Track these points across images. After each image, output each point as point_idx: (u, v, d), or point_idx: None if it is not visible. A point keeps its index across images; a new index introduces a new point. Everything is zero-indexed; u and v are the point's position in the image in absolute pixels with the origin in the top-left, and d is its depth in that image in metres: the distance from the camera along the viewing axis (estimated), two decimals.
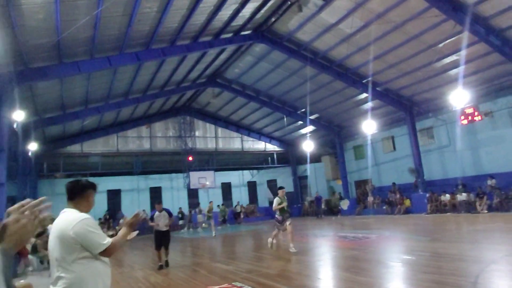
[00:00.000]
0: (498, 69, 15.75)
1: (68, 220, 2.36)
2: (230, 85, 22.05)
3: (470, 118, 16.90)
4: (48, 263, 10.52)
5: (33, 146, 17.58)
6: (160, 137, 25.93)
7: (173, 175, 25.87)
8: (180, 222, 22.75)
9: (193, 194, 26.42)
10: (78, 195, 2.55)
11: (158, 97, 20.76)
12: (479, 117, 16.90)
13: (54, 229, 2.39)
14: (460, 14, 12.73)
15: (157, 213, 9.01)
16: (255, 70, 20.04)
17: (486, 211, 15.53)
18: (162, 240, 8.68)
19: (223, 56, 18.78)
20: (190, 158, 25.35)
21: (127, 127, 24.51)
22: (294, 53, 17.35)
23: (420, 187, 19.26)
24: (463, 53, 14.82)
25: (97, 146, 23.71)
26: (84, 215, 2.40)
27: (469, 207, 16.44)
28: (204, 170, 25.86)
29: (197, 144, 26.48)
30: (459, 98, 16.18)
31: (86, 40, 12.16)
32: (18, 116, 12.86)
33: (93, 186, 2.67)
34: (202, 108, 26.37)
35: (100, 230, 2.42)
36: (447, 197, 17.59)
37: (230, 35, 16.17)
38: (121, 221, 22.14)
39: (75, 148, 23.14)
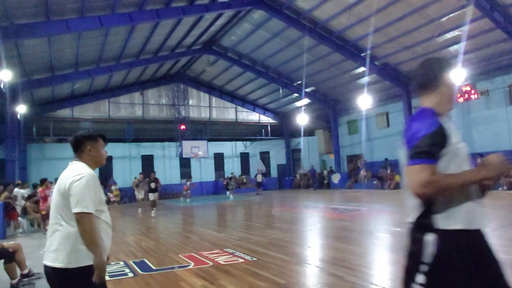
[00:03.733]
0: (497, 47, 15.50)
1: (72, 173, 2.29)
2: (226, 53, 21.47)
3: (466, 96, 16.82)
4: (38, 225, 10.52)
5: (21, 109, 17.09)
6: (153, 104, 25.47)
7: (166, 143, 25.66)
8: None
9: (185, 164, 26.36)
10: (77, 149, 2.44)
11: (152, 63, 20.16)
12: (475, 96, 16.83)
13: (60, 179, 2.33)
14: None
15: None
16: (253, 39, 19.46)
17: None
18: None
19: (220, 22, 18.13)
20: (183, 127, 25.07)
21: (119, 93, 23.97)
22: (293, 22, 16.79)
23: None
24: (465, 28, 14.48)
25: (88, 111, 23.24)
26: (86, 171, 2.29)
27: None
28: (197, 139, 25.67)
29: (190, 113, 26.12)
30: (457, 75, 16.00)
31: None
32: (5, 75, 12.37)
33: (91, 138, 2.48)
34: (197, 76, 25.80)
35: (94, 191, 2.27)
36: None
37: None
38: (112, 187, 22.15)
39: (65, 112, 22.64)
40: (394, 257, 5.29)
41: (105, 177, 22.23)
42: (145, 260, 5.92)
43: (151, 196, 13.90)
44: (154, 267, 5.41)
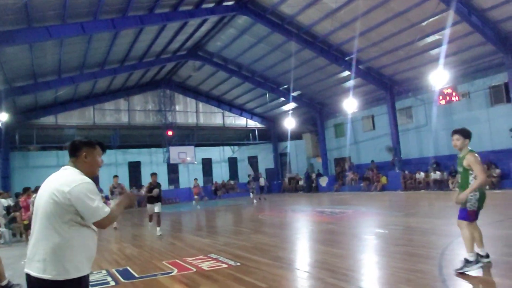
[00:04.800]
0: (477, 50, 15.94)
1: (67, 179, 2.16)
2: (211, 58, 21.51)
3: (448, 98, 17.19)
4: (21, 235, 10.30)
5: (3, 116, 16.77)
6: (139, 110, 25.29)
7: (153, 149, 25.46)
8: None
9: (173, 169, 26.20)
10: (73, 155, 2.33)
11: (137, 69, 20.07)
12: (457, 98, 17.21)
13: (49, 184, 2.19)
14: None
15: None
16: (238, 44, 19.55)
17: (458, 189, 16.09)
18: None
19: (205, 28, 18.18)
20: (170, 133, 24.94)
21: (104, 99, 23.73)
22: (278, 27, 16.96)
23: (396, 165, 19.72)
24: (445, 32, 14.86)
25: (72, 118, 22.92)
26: (84, 179, 2.19)
27: (442, 185, 17.03)
28: (185, 145, 25.56)
29: (177, 119, 26.02)
30: (439, 78, 16.39)
31: (57, 3, 11.41)
32: None
33: (88, 144, 2.36)
34: (183, 81, 25.74)
35: (99, 197, 2.21)
36: (421, 175, 18.13)
37: (212, 5, 15.58)
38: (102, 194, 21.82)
39: (48, 119, 22.29)
40: (379, 259, 5.37)
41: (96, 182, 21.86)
42: (128, 268, 5.85)
43: (152, 208, 9.83)
44: (136, 275, 5.36)
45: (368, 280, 4.45)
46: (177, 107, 26.38)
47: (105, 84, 21.80)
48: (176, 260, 6.10)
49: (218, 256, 6.15)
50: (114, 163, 24.28)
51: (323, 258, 5.61)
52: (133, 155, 25.02)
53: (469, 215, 4.21)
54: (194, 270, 5.37)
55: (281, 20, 16.81)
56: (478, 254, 4.19)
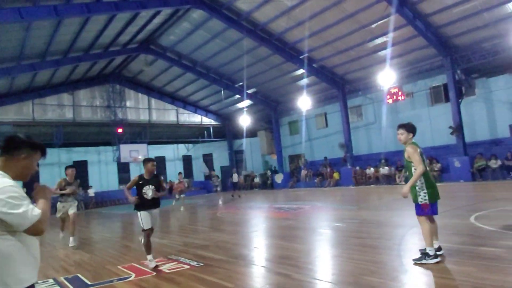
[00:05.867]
0: (420, 53, 17.04)
1: None
2: (164, 53, 20.75)
3: (395, 97, 18.21)
4: None
5: None
6: (85, 106, 23.70)
7: (101, 148, 24.04)
8: None
9: (123, 169, 24.96)
10: (7, 153, 1.95)
11: (82, 61, 18.76)
12: (402, 97, 18.31)
13: None
14: None
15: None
16: (192, 39, 19.06)
17: (404, 183, 17.16)
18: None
19: (158, 20, 17.46)
20: (120, 130, 23.71)
21: (46, 94, 21.91)
22: (234, 23, 16.77)
23: (348, 161, 20.54)
24: (392, 35, 15.70)
25: (8, 114, 20.86)
26: (5, 182, 1.85)
27: (390, 179, 18.04)
28: (136, 143, 24.47)
29: (128, 116, 24.81)
30: (386, 78, 17.31)
31: None
32: None
33: (31, 146, 2.01)
34: (134, 76, 24.58)
35: (27, 201, 1.88)
36: (371, 170, 19.06)
37: None
38: None
39: None
40: (341, 252, 5.46)
41: (30, 187, 20.12)
42: (79, 275, 5.38)
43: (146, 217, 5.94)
44: (89, 282, 4.94)
45: (334, 274, 4.49)
46: (128, 103, 25.15)
47: (46, 77, 20.10)
48: (133, 264, 5.73)
49: (179, 257, 5.89)
50: (57, 163, 22.55)
51: (287, 254, 5.59)
52: (79, 153, 23.42)
53: (422, 209, 4.35)
54: (154, 273, 5.08)
55: (237, 16, 16.66)
56: (435, 249, 4.34)
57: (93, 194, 22.20)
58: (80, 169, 23.13)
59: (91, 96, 23.94)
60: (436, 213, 4.43)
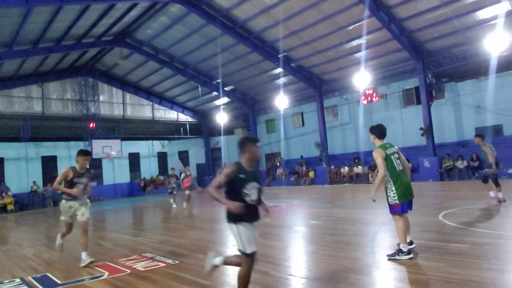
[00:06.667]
0: (394, 56, 17.54)
1: None
2: (141, 46, 20.28)
3: (369, 99, 18.68)
4: None
5: None
6: (55, 99, 22.78)
7: (72, 143, 23.17)
8: None
9: (95, 165, 24.17)
10: None
11: (53, 52, 18.01)
12: (376, 99, 18.82)
13: None
14: (370, 0, 13.62)
15: None
16: (170, 34, 18.73)
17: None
18: None
19: (134, 13, 17.03)
20: (93, 125, 22.96)
21: (12, 85, 20.88)
22: (213, 19, 16.62)
23: (324, 160, 20.88)
24: (368, 37, 16.09)
25: None
26: None
27: (363, 178, 18.51)
28: (110, 138, 23.78)
29: (101, 110, 24.06)
30: (361, 80, 17.72)
31: None
32: None
33: None
34: (108, 70, 23.87)
35: None
36: (345, 169, 19.48)
37: None
38: (4, 194, 19.16)
39: None
40: (317, 249, 5.55)
41: None
42: (48, 274, 5.18)
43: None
44: (59, 281, 4.76)
45: (310, 270, 4.56)
46: (101, 97, 24.39)
47: (13, 67, 19.14)
48: (106, 262, 5.58)
49: (154, 255, 5.79)
50: (24, 158, 21.65)
51: (264, 251, 5.61)
52: (48, 148, 22.50)
53: (393, 209, 4.52)
54: (128, 271, 4.97)
55: (217, 12, 16.51)
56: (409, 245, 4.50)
57: None
58: (49, 164, 22.29)
59: (62, 88, 23.04)
60: (406, 212, 4.59)
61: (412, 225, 6.35)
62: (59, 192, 5.89)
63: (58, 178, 5.59)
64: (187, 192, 13.05)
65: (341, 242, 5.75)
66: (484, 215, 7.15)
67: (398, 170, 4.52)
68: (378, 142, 4.70)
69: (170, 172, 14.04)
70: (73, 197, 5.56)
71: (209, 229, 8.39)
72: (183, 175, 13.44)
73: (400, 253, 4.39)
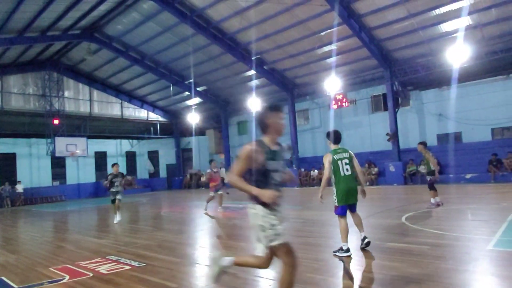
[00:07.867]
0: (363, 63, 18.11)
1: None
2: (110, 42, 19.67)
3: (339, 103, 19.16)
4: None
5: None
6: (16, 93, 21.59)
7: (33, 140, 22.07)
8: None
9: (58, 163, 23.20)
10: None
11: (15, 44, 17.07)
12: (346, 104, 19.33)
13: None
14: (341, 8, 14.00)
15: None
16: (142, 30, 18.31)
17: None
18: None
19: (104, 7, 16.50)
20: (57, 122, 21.97)
21: None
22: (186, 18, 16.43)
23: (294, 163, 21.15)
24: (339, 44, 16.52)
25: None
26: None
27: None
28: (75, 136, 22.85)
29: (66, 107, 23.07)
30: (332, 85, 18.15)
31: None
32: None
33: None
34: (75, 65, 22.95)
35: None
36: (315, 172, 19.83)
37: None
38: None
39: None
40: None
41: None
42: (4, 278, 4.87)
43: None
44: (15, 286, 4.49)
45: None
46: (66, 93, 23.39)
47: None
48: (67, 265, 5.33)
49: (119, 258, 5.60)
50: None
51: (232, 253, 5.59)
52: (7, 145, 21.28)
53: (335, 210, 5.02)
54: (91, 274, 4.77)
55: (190, 11, 16.33)
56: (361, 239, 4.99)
57: (21, 190, 20.30)
58: (7, 162, 21.09)
59: (23, 82, 21.88)
60: (343, 214, 4.95)
61: (376, 227, 6.61)
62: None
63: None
64: (211, 193, 10.95)
65: (309, 244, 5.83)
66: (443, 218, 7.52)
67: (342, 174, 4.85)
68: (333, 147, 5.07)
69: (210, 166, 11.17)
70: None
71: (177, 231, 8.24)
72: (208, 171, 11.09)
73: (340, 251, 4.84)
